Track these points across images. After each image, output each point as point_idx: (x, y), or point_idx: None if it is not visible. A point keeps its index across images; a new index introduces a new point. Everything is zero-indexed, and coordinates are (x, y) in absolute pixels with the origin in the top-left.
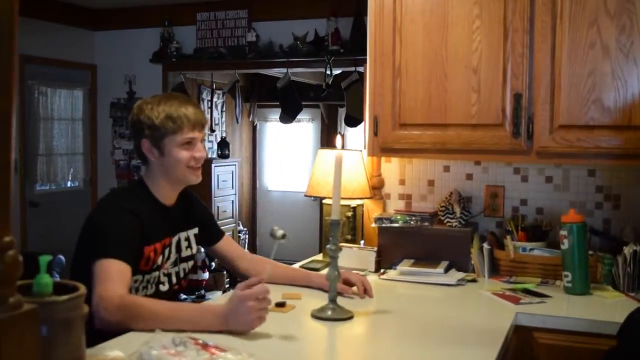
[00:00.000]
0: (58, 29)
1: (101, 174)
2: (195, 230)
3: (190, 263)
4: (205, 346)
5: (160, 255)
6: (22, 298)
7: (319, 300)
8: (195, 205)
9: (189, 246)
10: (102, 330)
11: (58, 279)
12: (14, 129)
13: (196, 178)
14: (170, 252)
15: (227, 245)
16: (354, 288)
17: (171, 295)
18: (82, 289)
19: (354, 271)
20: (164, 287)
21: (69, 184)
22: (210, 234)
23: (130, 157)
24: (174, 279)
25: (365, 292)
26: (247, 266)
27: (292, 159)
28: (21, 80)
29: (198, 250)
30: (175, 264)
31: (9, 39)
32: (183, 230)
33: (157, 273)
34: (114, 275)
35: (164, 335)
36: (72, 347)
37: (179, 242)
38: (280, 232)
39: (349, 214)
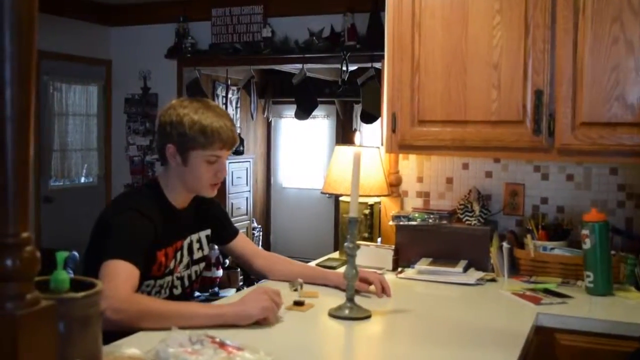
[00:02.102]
0: (73, 25)
1: (115, 170)
2: (207, 231)
3: (202, 265)
4: (222, 345)
5: (172, 260)
6: (40, 294)
7: (337, 299)
8: (208, 205)
9: (201, 248)
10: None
11: (72, 275)
12: (32, 125)
13: (212, 193)
14: (182, 255)
15: (242, 244)
16: (372, 287)
17: (184, 299)
18: (100, 286)
19: (371, 269)
20: (177, 291)
21: (83, 179)
22: (225, 233)
23: (144, 153)
24: (187, 282)
25: (384, 291)
26: (262, 264)
27: (307, 155)
28: (36, 75)
29: (212, 248)
30: (187, 266)
31: (29, 35)
32: (194, 232)
33: (169, 277)
34: (121, 276)
35: (180, 333)
36: (89, 344)
37: (190, 245)
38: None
39: (366, 211)
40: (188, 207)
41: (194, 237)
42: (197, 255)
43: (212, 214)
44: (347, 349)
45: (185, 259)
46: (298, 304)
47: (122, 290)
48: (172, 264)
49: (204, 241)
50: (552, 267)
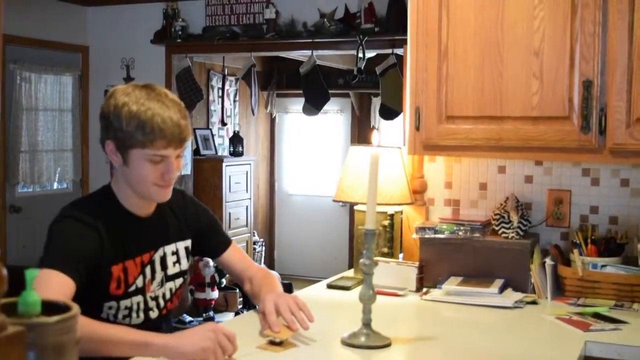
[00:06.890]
0: (44, 4)
1: (93, 174)
2: (187, 242)
3: (179, 281)
4: None
5: (139, 276)
6: (6, 319)
7: (349, 324)
8: (190, 210)
9: (178, 261)
10: None
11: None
12: None
13: (163, 197)
14: (153, 270)
15: (231, 258)
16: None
17: (159, 322)
18: (76, 309)
19: (390, 290)
20: (154, 314)
21: (55, 185)
22: (211, 244)
23: None
24: (162, 302)
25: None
26: (250, 289)
27: (317, 157)
28: (1, 64)
29: (207, 266)
30: (161, 284)
31: None
32: (170, 242)
33: (138, 298)
34: (51, 287)
35: None
36: None
37: (164, 258)
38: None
39: (386, 222)
40: (158, 214)
41: (169, 248)
42: (172, 270)
43: (195, 221)
44: None
45: (159, 275)
46: (274, 343)
47: None
48: (139, 282)
49: (182, 253)
50: (604, 288)
